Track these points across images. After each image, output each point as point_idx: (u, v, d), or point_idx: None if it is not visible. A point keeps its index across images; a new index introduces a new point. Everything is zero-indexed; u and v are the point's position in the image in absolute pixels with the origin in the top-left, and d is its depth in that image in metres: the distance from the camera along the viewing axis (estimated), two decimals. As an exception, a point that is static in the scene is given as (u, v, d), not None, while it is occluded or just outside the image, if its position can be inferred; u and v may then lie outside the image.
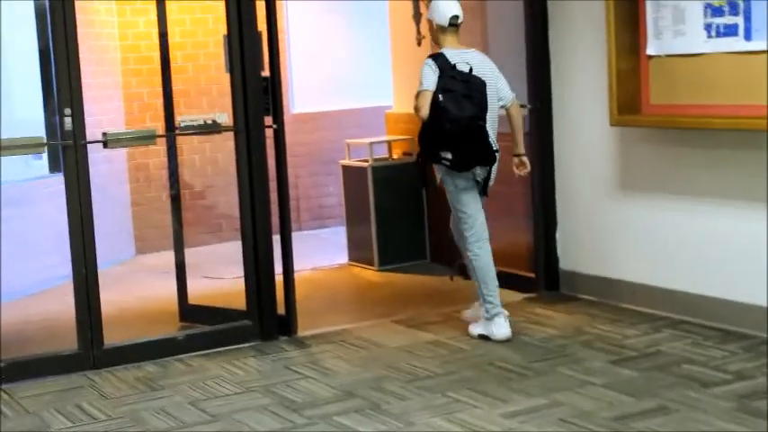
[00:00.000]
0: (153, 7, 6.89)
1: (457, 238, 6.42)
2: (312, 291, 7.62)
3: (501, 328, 6.04)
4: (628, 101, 6.29)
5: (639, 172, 6.50)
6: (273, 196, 6.32)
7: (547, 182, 7.08)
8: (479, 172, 6.02)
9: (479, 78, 5.93)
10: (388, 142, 8.66)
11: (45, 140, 5.82)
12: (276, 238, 6.27)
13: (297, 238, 6.65)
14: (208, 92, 9.46)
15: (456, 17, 6.03)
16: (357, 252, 8.55)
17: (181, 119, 6.40)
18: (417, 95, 5.91)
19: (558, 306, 6.75)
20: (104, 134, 5.92)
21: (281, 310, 6.37)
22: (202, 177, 9.76)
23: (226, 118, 6.27)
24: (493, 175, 6.06)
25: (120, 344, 6.00)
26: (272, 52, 6.23)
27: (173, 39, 8.98)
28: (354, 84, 7.84)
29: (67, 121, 5.66)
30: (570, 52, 6.88)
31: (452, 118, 5.81)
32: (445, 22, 6.02)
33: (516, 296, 7.06)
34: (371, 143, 8.47)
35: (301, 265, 8.03)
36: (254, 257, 6.25)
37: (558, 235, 7.11)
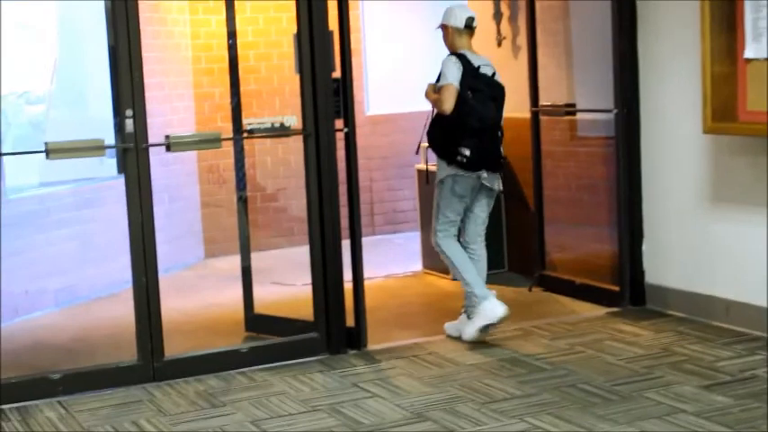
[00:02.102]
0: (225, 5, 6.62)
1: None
2: (384, 300, 7.32)
3: (496, 307, 6.00)
4: (723, 107, 5.86)
5: (734, 182, 6.08)
6: (344, 200, 6.03)
7: (633, 190, 6.69)
8: (486, 176, 6.06)
9: (500, 83, 6.09)
10: (466, 146, 8.30)
11: (105, 143, 5.52)
12: (346, 244, 5.98)
13: (370, 243, 6.39)
14: (280, 92, 9.22)
15: (472, 19, 6.11)
16: (432, 259, 8.20)
17: (248, 121, 6.13)
18: (440, 89, 5.95)
19: (643, 323, 6.35)
20: (167, 137, 5.67)
21: (350, 320, 6.07)
22: (274, 179, 9.52)
23: (295, 121, 6.00)
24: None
25: (181, 356, 5.75)
26: (344, 53, 5.93)
27: (245, 38, 8.88)
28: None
29: (128, 122, 5.42)
30: (660, 54, 6.49)
31: (481, 116, 5.92)
32: (461, 24, 6.09)
33: (599, 310, 6.70)
34: (448, 147, 8.12)
35: (374, 272, 7.77)
36: (322, 266, 5.97)
37: (644, 247, 6.71)
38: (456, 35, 6.11)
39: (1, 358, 5.70)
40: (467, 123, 5.90)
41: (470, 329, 6.09)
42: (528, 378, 5.40)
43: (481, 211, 6.23)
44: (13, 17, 8.20)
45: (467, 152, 5.92)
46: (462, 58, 6.00)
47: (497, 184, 6.16)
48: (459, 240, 6.28)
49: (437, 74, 6.09)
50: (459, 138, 5.93)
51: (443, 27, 6.17)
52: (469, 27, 6.11)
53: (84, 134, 5.63)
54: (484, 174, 6.04)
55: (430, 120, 6.15)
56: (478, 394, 5.17)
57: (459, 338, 6.21)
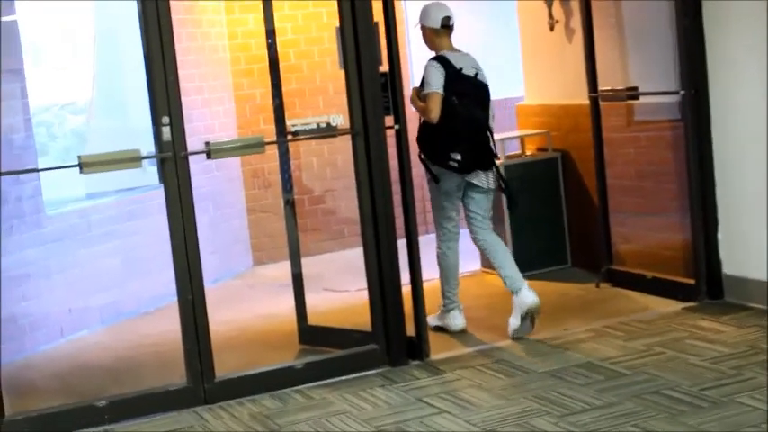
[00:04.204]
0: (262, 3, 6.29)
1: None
2: (442, 304, 6.94)
3: (456, 320, 6.20)
4: (803, 81, 5.44)
5: (816, 162, 5.64)
6: (396, 199, 5.69)
7: (705, 176, 6.26)
8: (482, 177, 6.06)
9: (484, 83, 6.06)
10: (521, 137, 7.92)
11: (141, 154, 5.19)
12: (402, 243, 5.65)
13: (424, 242, 6.07)
14: (324, 90, 8.89)
15: (448, 18, 6.06)
16: (490, 258, 7.82)
17: (291, 123, 5.79)
18: (426, 97, 5.93)
19: (724, 317, 5.93)
20: (207, 144, 5.32)
21: (409, 327, 5.70)
22: (321, 181, 9.19)
23: (341, 120, 5.64)
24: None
25: (232, 375, 5.40)
26: (391, 44, 5.59)
27: (284, 36, 8.57)
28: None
29: (165, 130, 5.09)
30: (729, 30, 6.05)
31: (467, 120, 5.90)
32: (438, 25, 6.04)
33: (674, 305, 6.28)
34: (503, 139, 7.72)
35: (430, 274, 7.37)
36: (378, 272, 5.61)
37: (720, 235, 6.28)
38: (434, 35, 6.08)
39: (46, 384, 5.45)
40: (455, 129, 5.89)
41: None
42: (606, 385, 5.00)
43: (477, 208, 6.16)
44: (51, 28, 8.01)
45: (458, 157, 5.92)
46: (444, 62, 5.96)
47: (489, 182, 6.12)
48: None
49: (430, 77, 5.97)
50: (449, 143, 5.92)
51: (421, 27, 6.11)
52: (446, 26, 6.05)
53: (125, 143, 5.34)
54: (481, 175, 6.06)
55: (419, 125, 6.10)
56: (555, 406, 4.78)
57: (523, 338, 5.92)
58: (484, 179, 6.10)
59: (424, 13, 6.09)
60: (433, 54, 6.14)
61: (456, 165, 5.94)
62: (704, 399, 4.67)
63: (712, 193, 6.28)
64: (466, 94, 5.93)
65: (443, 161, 5.98)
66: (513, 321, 5.98)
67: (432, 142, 6.01)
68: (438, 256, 6.26)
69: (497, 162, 7.41)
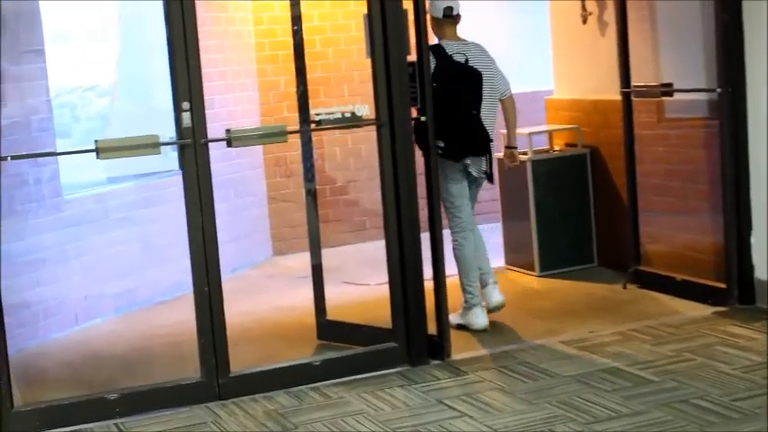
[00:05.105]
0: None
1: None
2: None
3: (479, 318, 6.09)
4: None
5: None
6: (421, 191, 5.54)
7: (740, 177, 6.08)
8: (470, 163, 6.08)
9: (475, 69, 6.07)
10: (549, 132, 7.74)
11: (159, 140, 5.05)
12: (425, 237, 5.50)
13: (449, 236, 5.94)
14: (349, 79, 8.74)
15: (450, 8, 6.11)
16: (515, 255, 7.67)
17: (316, 112, 5.61)
18: None
19: (755, 324, 5.74)
20: (228, 131, 5.17)
21: (431, 325, 5.53)
22: (344, 171, 9.03)
23: (366, 110, 5.48)
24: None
25: (248, 371, 5.26)
26: (420, 34, 5.44)
27: (310, 22, 8.42)
28: (510, 67, 7.08)
29: (185, 116, 4.95)
30: (768, 25, 5.87)
31: (449, 106, 5.92)
32: (440, 14, 6.10)
33: (704, 310, 6.10)
34: (530, 133, 7.55)
35: (453, 269, 7.24)
36: (400, 267, 5.45)
37: (753, 239, 6.09)
38: (436, 24, 6.14)
39: (57, 373, 5.33)
40: (437, 115, 5.77)
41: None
42: (633, 392, 4.82)
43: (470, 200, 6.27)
44: (75, 9, 7.88)
45: (441, 143, 5.88)
46: (437, 50, 6.01)
47: (482, 172, 6.16)
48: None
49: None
50: (434, 130, 5.77)
51: (428, 16, 6.08)
52: (449, 16, 6.11)
53: (148, 127, 5.20)
54: (467, 161, 6.07)
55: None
56: (579, 413, 4.61)
57: (547, 341, 5.73)
58: (478, 168, 6.12)
59: (430, 2, 6.08)
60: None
61: (441, 151, 5.90)
62: (735, 410, 4.49)
63: (746, 194, 6.09)
64: (453, 81, 5.96)
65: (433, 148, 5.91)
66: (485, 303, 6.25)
67: (421, 129, 5.88)
68: (454, 249, 6.19)
69: (525, 157, 7.35)
